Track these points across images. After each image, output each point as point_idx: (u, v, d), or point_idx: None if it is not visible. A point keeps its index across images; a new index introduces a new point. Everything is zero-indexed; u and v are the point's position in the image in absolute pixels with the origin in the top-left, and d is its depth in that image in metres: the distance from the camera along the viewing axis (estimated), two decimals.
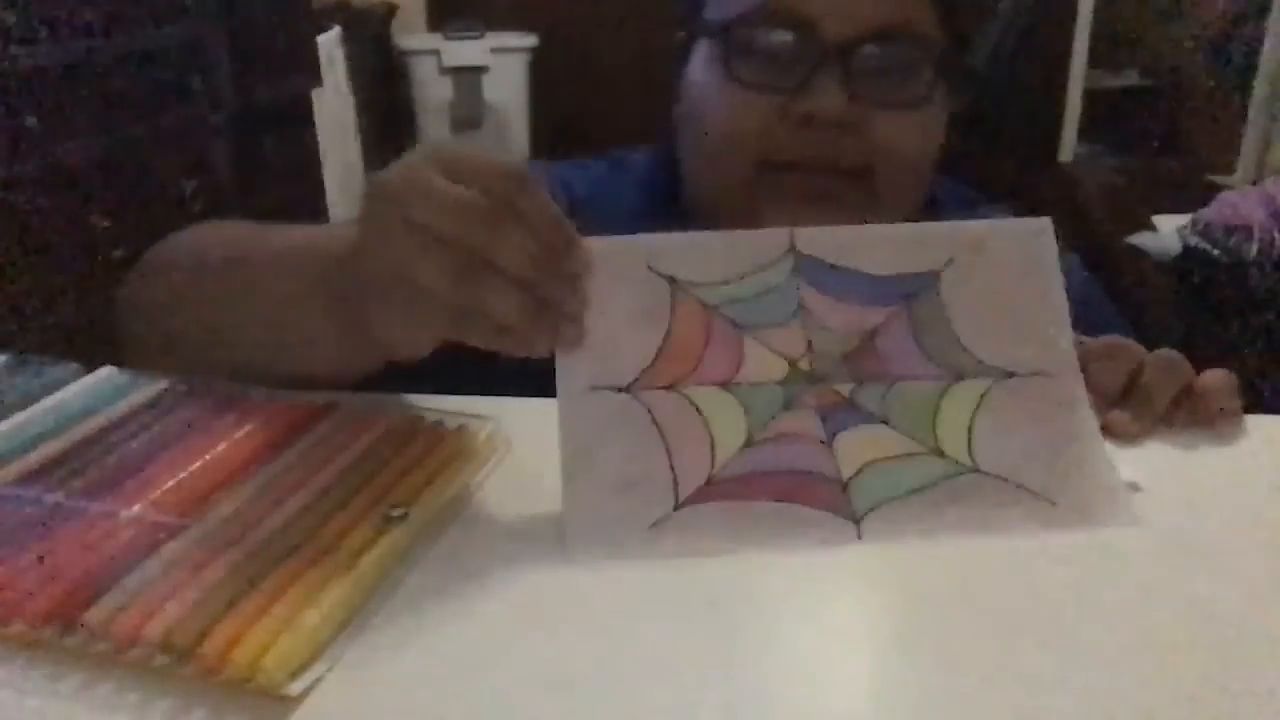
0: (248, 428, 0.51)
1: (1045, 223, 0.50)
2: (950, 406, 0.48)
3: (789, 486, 0.47)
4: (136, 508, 0.45)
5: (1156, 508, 0.48)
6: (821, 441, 0.48)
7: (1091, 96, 3.04)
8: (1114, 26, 3.08)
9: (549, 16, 3.15)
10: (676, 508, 0.46)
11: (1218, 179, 2.76)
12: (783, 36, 0.64)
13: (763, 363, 0.48)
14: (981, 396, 0.49)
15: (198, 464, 0.48)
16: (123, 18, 1.69)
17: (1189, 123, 3.18)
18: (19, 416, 0.52)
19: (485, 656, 0.39)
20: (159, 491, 0.46)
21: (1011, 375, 0.49)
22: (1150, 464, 0.51)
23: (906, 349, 0.49)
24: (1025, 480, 0.48)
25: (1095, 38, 2.98)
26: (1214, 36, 3.10)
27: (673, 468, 0.47)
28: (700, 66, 0.69)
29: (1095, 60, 3.01)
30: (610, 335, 0.47)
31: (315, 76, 2.29)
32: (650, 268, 0.48)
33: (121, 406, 0.54)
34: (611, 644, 0.40)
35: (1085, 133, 3.10)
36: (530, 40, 3.08)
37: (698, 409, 0.47)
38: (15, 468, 0.48)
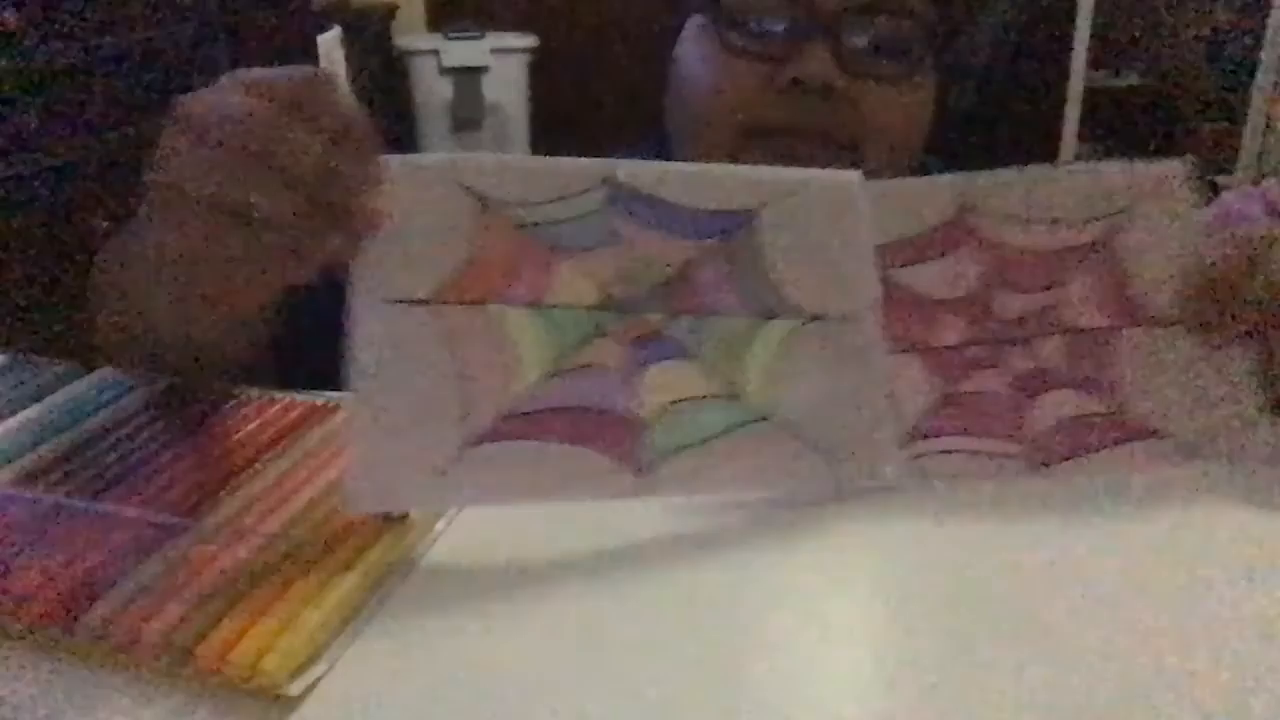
0: (248, 428, 0.51)
1: (856, 175, 0.50)
2: (757, 346, 0.49)
3: (585, 427, 0.46)
4: (136, 508, 0.45)
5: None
6: (626, 375, 0.47)
7: (1091, 96, 3.04)
8: (1114, 26, 3.09)
9: (549, 16, 3.15)
10: (463, 448, 0.45)
11: (1218, 179, 2.76)
12: (774, 5, 0.65)
13: (574, 285, 0.47)
14: (786, 337, 0.49)
15: (198, 464, 0.48)
16: (123, 18, 1.69)
17: (1189, 123, 3.18)
18: (19, 416, 0.52)
19: (485, 656, 0.39)
20: (159, 491, 0.46)
21: (817, 318, 0.49)
22: None
23: (721, 284, 0.48)
24: (810, 432, 0.48)
25: (1095, 38, 2.98)
26: (1214, 36, 3.10)
27: (466, 397, 0.45)
28: (691, 41, 0.70)
29: (1095, 60, 3.01)
30: (412, 247, 0.45)
31: None
32: (460, 184, 0.46)
33: (121, 406, 0.54)
34: (613, 643, 0.40)
35: (1085, 133, 3.10)
36: (530, 40, 3.08)
37: (501, 328, 0.46)
38: (15, 468, 0.48)
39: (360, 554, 0.42)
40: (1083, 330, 0.50)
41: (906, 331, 0.50)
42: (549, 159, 0.48)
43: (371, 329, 0.44)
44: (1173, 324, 0.50)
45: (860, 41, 0.65)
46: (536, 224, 0.46)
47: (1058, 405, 0.50)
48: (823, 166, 0.53)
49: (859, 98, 0.65)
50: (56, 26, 1.55)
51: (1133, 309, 0.50)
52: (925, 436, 0.50)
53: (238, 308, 0.50)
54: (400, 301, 0.45)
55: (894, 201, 0.50)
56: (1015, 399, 0.50)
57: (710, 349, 0.48)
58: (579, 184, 0.47)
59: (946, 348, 0.50)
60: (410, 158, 0.46)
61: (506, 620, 0.41)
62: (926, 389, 0.50)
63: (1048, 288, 0.50)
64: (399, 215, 0.45)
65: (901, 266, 0.50)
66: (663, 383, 0.47)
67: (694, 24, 0.70)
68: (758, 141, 0.65)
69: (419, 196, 0.45)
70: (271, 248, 0.44)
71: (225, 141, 0.43)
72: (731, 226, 0.48)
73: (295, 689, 0.36)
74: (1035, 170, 0.50)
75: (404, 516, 0.45)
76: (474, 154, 0.47)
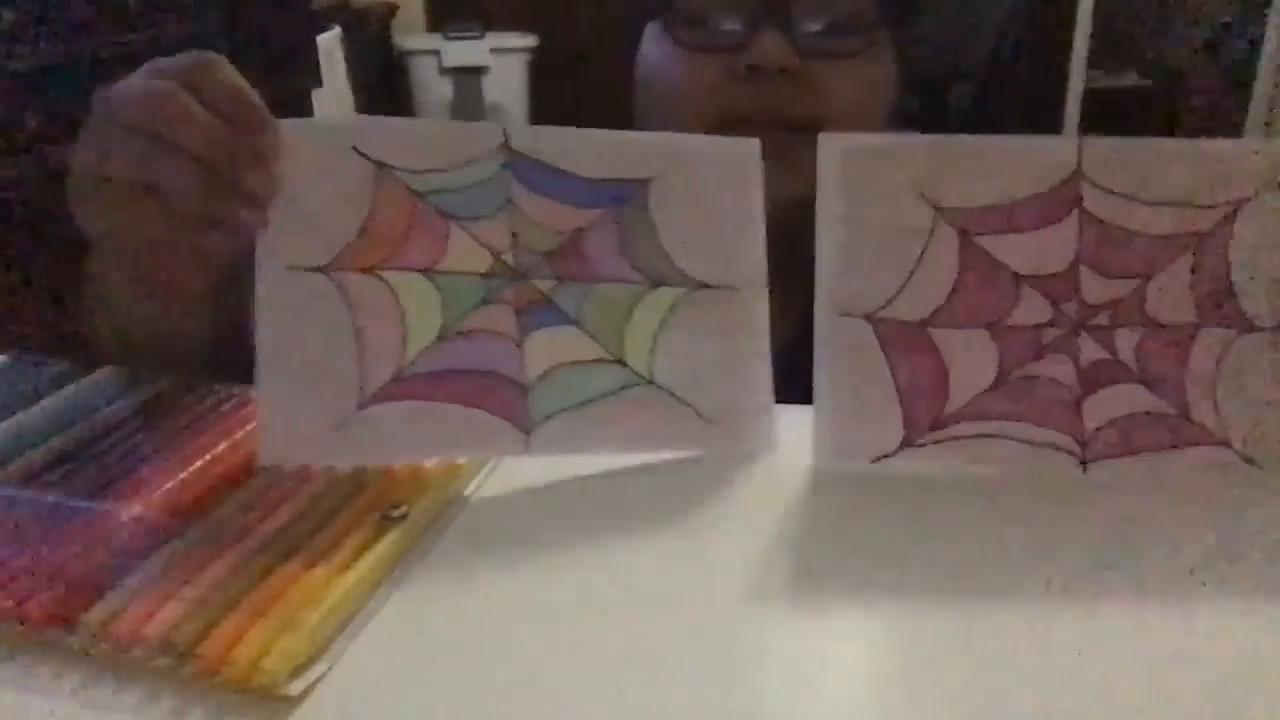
0: (248, 428, 0.51)
1: (753, 143, 0.50)
2: (641, 313, 0.50)
3: (474, 389, 0.48)
4: (136, 508, 0.45)
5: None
6: (514, 340, 0.48)
7: (1091, 96, 3.03)
8: (1114, 26, 3.08)
9: (549, 16, 3.14)
10: (361, 406, 0.47)
11: None
12: (725, 1, 0.67)
13: (467, 252, 0.48)
14: (672, 305, 0.50)
15: (198, 464, 0.48)
16: (123, 17, 1.69)
17: (1189, 123, 3.18)
18: (19, 416, 0.52)
19: (484, 656, 0.39)
20: (159, 491, 0.46)
21: (704, 286, 0.50)
22: None
23: (610, 252, 0.49)
24: (691, 397, 0.50)
25: (1095, 38, 2.98)
26: (1214, 36, 3.10)
27: (361, 360, 0.47)
28: (650, 45, 0.72)
29: (1095, 60, 3.01)
30: (310, 215, 0.47)
31: (315, 76, 2.29)
32: (356, 149, 0.47)
33: (121, 406, 0.54)
34: (614, 644, 0.40)
35: (1085, 133, 3.09)
36: (530, 40, 3.08)
37: (395, 294, 0.47)
38: (15, 468, 0.48)
39: (360, 554, 0.42)
40: (1164, 325, 0.47)
41: (981, 306, 0.47)
42: (445, 122, 0.49)
43: (274, 295, 0.46)
44: (1265, 329, 0.47)
45: (813, 25, 0.66)
46: (432, 191, 0.47)
47: (1119, 400, 0.48)
48: (790, 151, 0.53)
49: (816, 77, 0.66)
50: (56, 26, 1.55)
51: (1224, 307, 0.47)
52: (976, 418, 0.48)
53: (181, 289, 0.51)
54: (299, 269, 0.46)
55: (992, 162, 0.47)
56: (1078, 389, 0.48)
57: (596, 315, 0.49)
58: (474, 150, 0.48)
59: (1020, 327, 0.48)
60: (306, 121, 0.47)
61: (506, 620, 0.41)
62: (988, 368, 0.48)
63: (1140, 274, 0.47)
64: (297, 180, 0.46)
65: (989, 235, 0.47)
66: (548, 348, 0.49)
67: (651, 30, 0.72)
68: (725, 134, 0.66)
69: (315, 161, 0.47)
70: (184, 220, 0.46)
71: (122, 121, 0.45)
72: (624, 194, 0.49)
73: (295, 689, 0.36)
74: (1160, 144, 0.46)
75: (403, 517, 0.45)
76: (368, 118, 0.48)
